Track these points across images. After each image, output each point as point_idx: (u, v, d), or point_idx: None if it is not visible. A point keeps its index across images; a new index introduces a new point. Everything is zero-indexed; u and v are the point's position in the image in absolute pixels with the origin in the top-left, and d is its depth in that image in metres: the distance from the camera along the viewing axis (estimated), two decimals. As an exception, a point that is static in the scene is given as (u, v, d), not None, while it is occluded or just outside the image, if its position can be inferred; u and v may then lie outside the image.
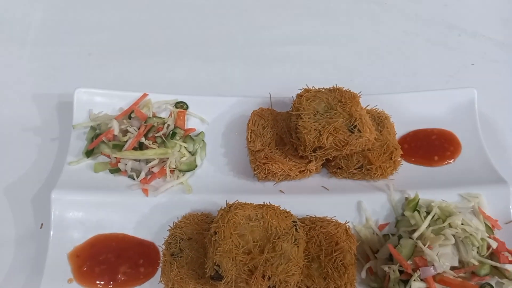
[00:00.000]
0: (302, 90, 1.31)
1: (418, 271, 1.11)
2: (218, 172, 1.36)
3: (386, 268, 1.14)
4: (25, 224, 1.28)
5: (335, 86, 1.31)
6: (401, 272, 1.14)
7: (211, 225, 1.07)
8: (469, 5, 1.94)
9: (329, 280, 1.09)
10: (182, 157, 1.31)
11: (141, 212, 1.24)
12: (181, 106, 1.42)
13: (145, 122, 1.33)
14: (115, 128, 1.30)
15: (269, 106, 1.45)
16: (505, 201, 1.26)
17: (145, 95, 1.42)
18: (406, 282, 1.12)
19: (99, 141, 1.29)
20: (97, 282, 1.14)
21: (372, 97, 1.41)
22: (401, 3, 1.93)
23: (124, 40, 1.76)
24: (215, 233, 1.04)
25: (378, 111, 1.40)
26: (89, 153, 1.30)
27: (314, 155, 1.23)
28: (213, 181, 1.33)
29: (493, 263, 1.15)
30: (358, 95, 1.28)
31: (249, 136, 1.32)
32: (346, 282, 1.08)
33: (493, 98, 1.62)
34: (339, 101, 1.26)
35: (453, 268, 1.14)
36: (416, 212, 1.23)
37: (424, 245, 1.13)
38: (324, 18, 1.86)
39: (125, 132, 1.31)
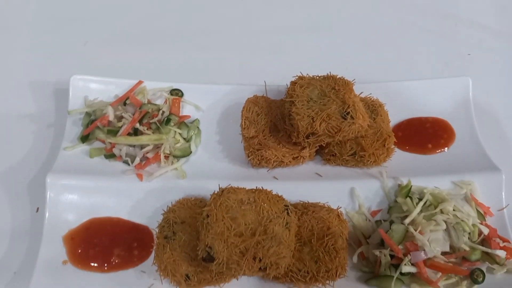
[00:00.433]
0: (296, 77, 1.32)
1: (409, 255, 1.12)
2: (213, 159, 1.37)
3: (377, 253, 1.15)
4: (21, 208, 1.29)
5: (329, 74, 1.32)
6: (392, 256, 1.15)
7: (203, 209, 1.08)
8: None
9: (320, 263, 1.10)
10: (177, 143, 1.32)
11: (136, 197, 1.25)
12: (176, 93, 1.43)
13: (139, 108, 1.34)
14: (110, 114, 1.31)
15: (264, 94, 1.45)
16: (498, 188, 1.27)
17: (140, 82, 1.42)
18: (397, 266, 1.13)
19: (94, 127, 1.30)
20: (92, 264, 1.15)
21: (366, 85, 1.41)
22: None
23: (120, 29, 1.77)
24: (208, 216, 1.05)
25: (372, 99, 1.40)
26: (84, 138, 1.31)
27: (307, 142, 1.23)
28: (207, 168, 1.34)
29: (484, 248, 1.16)
30: (352, 83, 1.29)
31: (243, 123, 1.32)
32: (337, 265, 1.09)
33: (489, 87, 1.62)
34: (333, 88, 1.26)
35: (444, 254, 1.16)
36: (408, 198, 1.24)
37: (415, 231, 1.14)
38: (320, 7, 1.86)
39: (120, 118, 1.32)
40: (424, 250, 1.12)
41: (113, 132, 1.29)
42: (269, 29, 1.77)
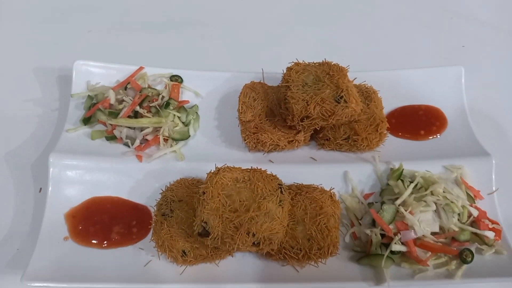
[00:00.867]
0: (293, 63, 1.36)
1: (399, 234, 1.16)
2: (211, 143, 1.41)
3: (368, 232, 1.19)
4: (25, 187, 1.34)
5: (324, 60, 1.35)
6: (382, 236, 1.18)
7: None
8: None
9: (313, 241, 1.13)
10: (175, 126, 1.36)
11: (135, 177, 1.29)
12: (176, 79, 1.47)
13: (140, 92, 1.38)
14: (111, 97, 1.35)
15: (261, 80, 1.49)
16: (488, 173, 1.30)
17: (141, 68, 1.47)
18: (387, 245, 1.16)
19: (96, 109, 1.34)
20: (92, 240, 1.19)
21: (362, 74, 1.44)
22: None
23: (123, 18, 1.82)
24: (204, 193, 1.09)
25: (366, 86, 1.43)
26: (86, 120, 1.35)
27: (302, 125, 1.27)
28: (205, 151, 1.38)
29: (473, 229, 1.19)
30: (346, 69, 1.33)
31: (240, 108, 1.36)
32: (329, 243, 1.13)
33: (484, 79, 1.66)
34: (327, 73, 1.30)
35: (434, 234, 1.19)
36: (400, 181, 1.27)
37: (406, 211, 1.17)
38: (322, 1, 1.90)
39: (121, 101, 1.37)
40: (413, 229, 1.15)
41: (114, 114, 1.33)
42: (269, 19, 1.82)
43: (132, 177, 1.29)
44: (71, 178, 1.27)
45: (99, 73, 1.46)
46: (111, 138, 1.34)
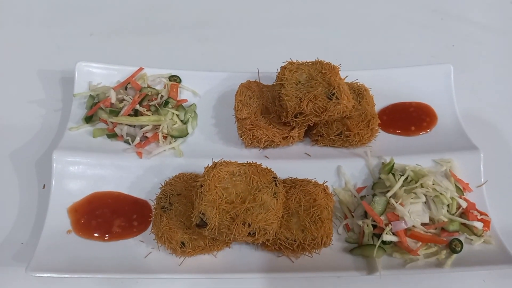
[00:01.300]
0: (286, 62, 1.41)
1: (390, 225, 1.20)
2: (208, 140, 1.46)
3: (360, 223, 1.23)
4: (30, 184, 1.39)
5: (317, 60, 1.41)
6: (374, 227, 1.22)
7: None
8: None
9: (307, 232, 1.17)
10: (174, 124, 1.41)
11: (135, 173, 1.34)
12: (175, 79, 1.52)
13: (140, 91, 1.44)
14: (112, 97, 1.41)
15: (256, 80, 1.54)
16: (477, 166, 1.34)
17: (141, 69, 1.52)
18: (379, 236, 1.20)
19: (98, 108, 1.39)
20: (94, 234, 1.24)
21: (354, 72, 1.50)
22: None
23: (124, 22, 1.88)
24: (201, 185, 1.13)
25: (358, 84, 1.48)
26: (88, 119, 1.40)
27: (296, 121, 1.32)
28: (203, 148, 1.43)
29: (462, 220, 1.23)
30: (338, 67, 1.38)
31: (236, 106, 1.41)
32: (322, 234, 1.17)
33: (473, 78, 1.71)
34: (320, 72, 1.34)
35: (424, 225, 1.23)
36: (391, 174, 1.31)
37: (396, 203, 1.22)
38: (315, 2, 1.96)
39: (121, 100, 1.42)
40: (404, 220, 1.19)
41: (115, 113, 1.38)
42: (264, 21, 1.88)
43: (133, 173, 1.34)
44: (74, 174, 1.32)
45: (100, 73, 1.52)
46: (112, 135, 1.39)
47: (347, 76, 1.41)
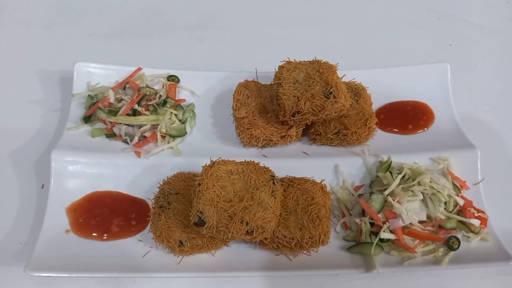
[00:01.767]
0: (284, 62, 1.41)
1: (387, 223, 1.20)
2: (206, 140, 1.46)
3: (357, 220, 1.23)
4: (28, 184, 1.39)
5: (315, 59, 1.41)
6: (372, 224, 1.23)
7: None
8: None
9: (305, 230, 1.17)
10: (172, 123, 1.42)
11: (134, 172, 1.34)
12: (173, 79, 1.53)
13: (138, 91, 1.44)
14: (111, 97, 1.41)
15: (254, 79, 1.55)
16: (474, 164, 1.35)
17: (139, 69, 1.53)
18: (377, 233, 1.21)
19: (96, 108, 1.40)
20: (92, 233, 1.24)
21: (351, 71, 1.50)
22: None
23: (122, 23, 1.89)
24: (199, 184, 1.14)
25: (355, 83, 1.49)
26: (86, 119, 1.41)
27: (293, 120, 1.32)
28: (201, 147, 1.43)
29: (459, 217, 1.24)
30: (335, 66, 1.38)
31: (234, 105, 1.41)
32: (320, 232, 1.17)
33: (470, 76, 1.72)
34: (317, 71, 1.35)
35: (421, 222, 1.23)
36: (388, 172, 1.32)
37: (394, 200, 1.22)
38: (313, 3, 1.97)
39: (120, 100, 1.43)
40: (401, 217, 1.20)
41: (114, 112, 1.38)
42: (262, 22, 1.89)
43: (131, 172, 1.34)
44: (73, 173, 1.32)
45: (99, 74, 1.52)
46: (111, 135, 1.39)
47: (344, 75, 1.41)
